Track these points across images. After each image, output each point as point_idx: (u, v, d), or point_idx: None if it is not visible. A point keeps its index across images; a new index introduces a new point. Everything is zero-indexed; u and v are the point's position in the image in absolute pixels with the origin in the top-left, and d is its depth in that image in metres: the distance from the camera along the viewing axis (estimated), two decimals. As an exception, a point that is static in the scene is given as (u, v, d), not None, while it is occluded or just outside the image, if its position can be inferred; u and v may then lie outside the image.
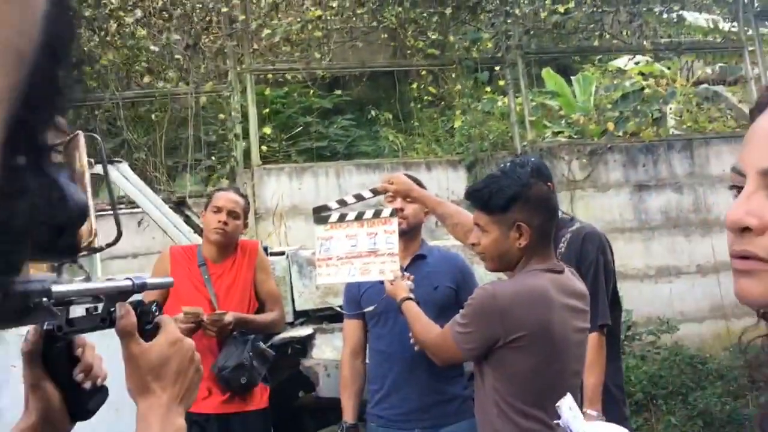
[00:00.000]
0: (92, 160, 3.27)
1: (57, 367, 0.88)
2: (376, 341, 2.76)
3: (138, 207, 3.56)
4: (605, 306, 2.57)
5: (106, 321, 0.88)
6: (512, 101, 7.29)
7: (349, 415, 2.73)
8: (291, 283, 3.41)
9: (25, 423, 0.87)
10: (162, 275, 3.10)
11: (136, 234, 5.80)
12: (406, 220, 2.67)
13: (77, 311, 0.90)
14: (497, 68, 7.97)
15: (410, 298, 2.37)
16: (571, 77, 9.55)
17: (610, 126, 7.56)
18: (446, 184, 6.80)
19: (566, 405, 1.29)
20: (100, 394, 0.93)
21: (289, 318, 3.36)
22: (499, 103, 8.63)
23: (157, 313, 0.91)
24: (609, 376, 2.59)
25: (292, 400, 3.51)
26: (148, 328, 0.90)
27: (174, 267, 3.11)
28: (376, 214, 2.58)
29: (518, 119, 7.24)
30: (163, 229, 3.46)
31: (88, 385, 0.91)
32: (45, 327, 0.85)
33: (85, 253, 2.92)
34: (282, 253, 3.59)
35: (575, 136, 8.21)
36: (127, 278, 0.91)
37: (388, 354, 2.69)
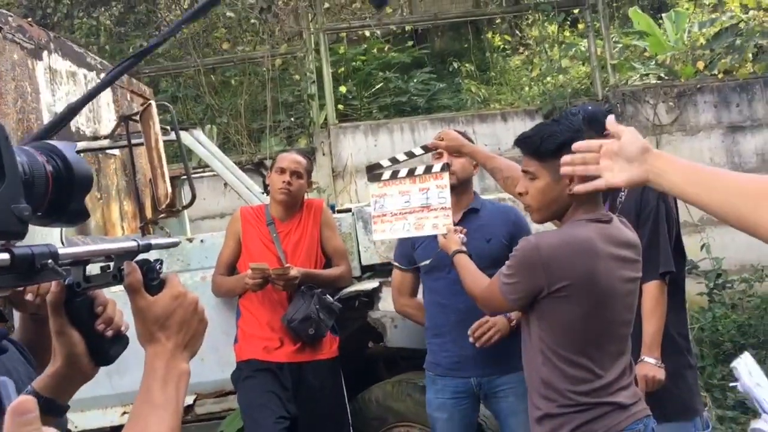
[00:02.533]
0: (168, 127, 3.47)
1: (80, 318, 1.00)
2: (430, 294, 2.82)
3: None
4: (667, 253, 2.51)
5: (117, 278, 0.99)
6: (592, 44, 7.00)
7: None
8: (357, 238, 3.51)
9: (53, 367, 1.01)
10: (234, 235, 3.30)
11: (223, 195, 6.11)
12: (455, 175, 2.69)
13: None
14: (576, 11, 7.65)
15: (462, 251, 2.41)
16: (663, 15, 9.01)
17: (701, 65, 7.12)
18: (524, 134, 6.68)
19: (745, 369, 1.25)
20: (120, 342, 1.05)
21: (356, 272, 3.47)
22: (583, 48, 8.31)
23: (161, 270, 1.02)
24: (673, 324, 2.54)
25: (362, 349, 3.66)
26: (154, 284, 1.00)
27: (245, 226, 3.28)
28: (428, 170, 2.61)
29: (600, 63, 6.96)
30: (236, 191, 3.65)
31: (109, 334, 1.03)
32: (66, 282, 0.97)
33: (163, 215, 3.13)
34: (348, 210, 3.69)
35: (666, 78, 7.80)
36: (133, 239, 1.01)
37: (443, 305, 2.75)
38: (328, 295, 3.16)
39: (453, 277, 2.62)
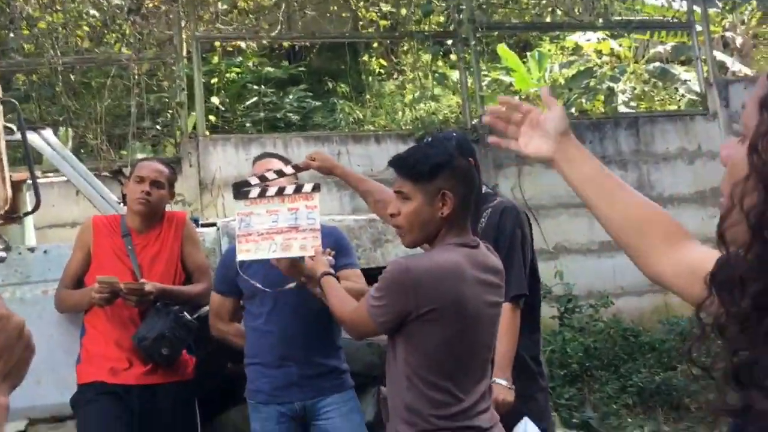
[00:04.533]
0: (13, 127, 3.18)
1: None
2: (253, 319, 2.75)
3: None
4: (520, 278, 2.60)
5: None
6: (464, 75, 7.28)
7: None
8: (221, 254, 3.38)
9: None
10: (84, 246, 3.06)
11: (75, 204, 5.69)
12: None
13: None
14: (449, 42, 7.95)
15: (330, 273, 2.37)
16: (527, 53, 9.58)
17: (559, 103, 7.60)
18: (395, 157, 6.80)
19: None
20: None
21: (218, 290, 3.33)
22: (454, 78, 8.62)
23: None
24: (525, 347, 2.63)
25: (221, 370, 3.50)
26: None
27: (96, 237, 3.05)
28: (297, 190, 2.55)
29: (469, 94, 7.25)
30: (89, 199, 3.40)
31: None
32: None
33: (1, 222, 2.84)
34: (213, 225, 3.55)
35: (528, 112, 8.26)
36: None
37: (264, 332, 2.69)
38: (185, 313, 3.00)
39: (278, 306, 2.65)
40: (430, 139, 2.16)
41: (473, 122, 7.07)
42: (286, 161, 2.87)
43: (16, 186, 3.47)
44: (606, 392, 5.27)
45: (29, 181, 4.12)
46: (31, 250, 3.26)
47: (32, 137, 3.20)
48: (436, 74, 8.56)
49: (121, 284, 2.82)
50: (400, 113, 8.70)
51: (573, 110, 7.83)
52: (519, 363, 2.62)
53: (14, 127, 3.15)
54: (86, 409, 2.86)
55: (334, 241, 2.73)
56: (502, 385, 2.46)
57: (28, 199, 4.28)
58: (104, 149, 6.04)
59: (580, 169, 1.28)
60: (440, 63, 8.83)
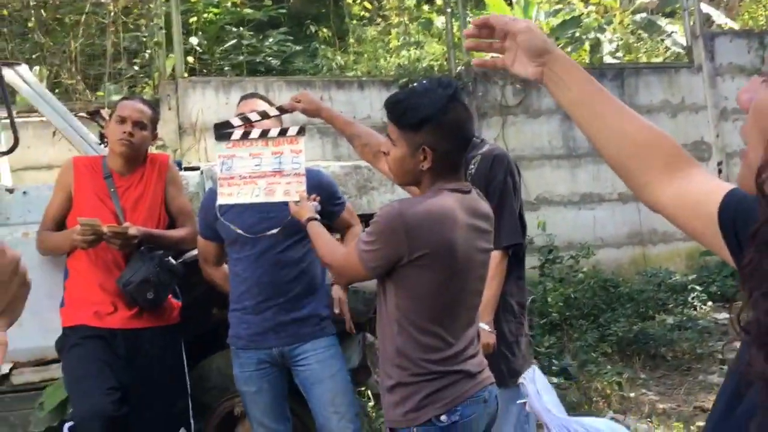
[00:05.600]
0: (-13, 62, 3.03)
1: None
2: (234, 264, 2.73)
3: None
4: (513, 227, 2.60)
5: None
6: (449, 22, 7.14)
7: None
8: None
9: None
10: (64, 187, 2.97)
11: (51, 145, 5.54)
12: None
13: None
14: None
15: (315, 218, 2.33)
16: (513, 1, 9.41)
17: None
18: (379, 104, 6.70)
19: (533, 389, 1.14)
20: None
21: (202, 234, 3.27)
22: (439, 24, 8.46)
23: None
24: (512, 294, 2.66)
25: (206, 315, 3.48)
26: None
27: (77, 178, 2.96)
28: (282, 133, 2.48)
29: (455, 41, 7.13)
30: (68, 139, 3.28)
31: None
32: None
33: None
34: (196, 168, 3.47)
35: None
36: None
37: (245, 278, 2.68)
38: (170, 257, 2.95)
39: (256, 252, 2.63)
40: (426, 85, 2.06)
41: (458, 69, 6.97)
42: (272, 104, 2.79)
43: (-10, 125, 3.34)
44: (585, 341, 5.37)
45: (4, 120, 3.99)
46: (10, 191, 3.16)
47: (7, 74, 3.06)
48: (421, 20, 8.38)
49: (105, 227, 2.74)
50: (382, 60, 8.54)
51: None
52: (507, 309, 2.64)
53: (-12, 63, 3.01)
54: (71, 353, 2.82)
55: (318, 184, 2.69)
56: (484, 330, 2.48)
57: (3, 139, 4.14)
58: (79, 89, 5.85)
59: (567, 92, 1.16)
60: (425, 8, 8.64)
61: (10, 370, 3.16)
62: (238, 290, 2.71)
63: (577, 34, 8.48)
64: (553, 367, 4.85)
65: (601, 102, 1.14)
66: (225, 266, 2.88)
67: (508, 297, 2.62)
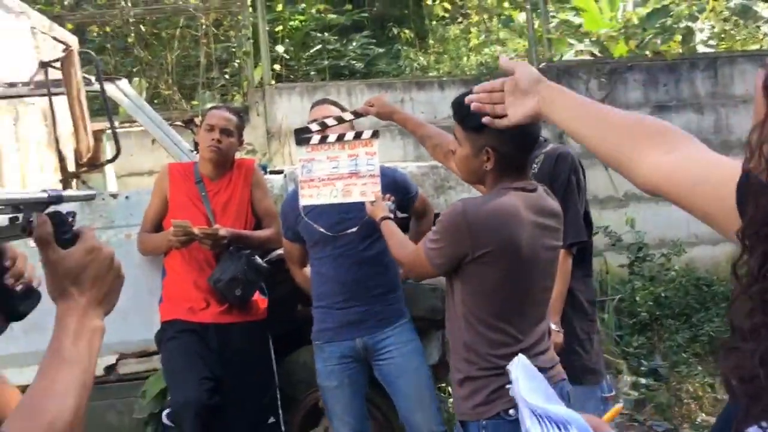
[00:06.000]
0: (92, 78, 3.31)
1: None
2: (317, 264, 2.85)
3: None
4: (578, 225, 2.59)
5: (26, 230, 0.93)
6: (530, 17, 7.06)
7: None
8: (286, 201, 3.47)
9: None
10: (161, 192, 3.20)
11: (151, 152, 5.90)
12: None
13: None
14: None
15: (389, 218, 2.43)
16: (599, -8, 9.16)
17: (632, 44, 7.29)
18: (461, 103, 6.73)
19: (514, 372, 1.19)
20: (31, 297, 1.00)
21: (287, 234, 3.44)
22: (521, 20, 8.37)
23: (74, 223, 0.96)
24: (582, 292, 2.66)
25: (292, 312, 3.64)
26: (66, 237, 0.95)
27: (172, 183, 3.19)
28: (357, 136, 2.59)
29: (537, 37, 7.04)
30: (164, 147, 3.53)
31: (19, 288, 0.98)
32: None
33: (84, 169, 3.00)
34: (280, 172, 3.64)
35: (599, 55, 7.96)
36: (43, 190, 0.96)
37: (328, 276, 2.79)
38: (257, 257, 3.12)
39: (337, 252, 2.75)
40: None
41: (540, 66, 6.89)
42: (343, 108, 2.91)
43: (96, 135, 3.64)
44: (676, 341, 5.19)
45: (108, 131, 4.32)
46: (114, 196, 3.43)
47: (109, 88, 3.32)
48: (502, 17, 8.32)
49: (197, 229, 2.95)
50: (464, 58, 8.54)
51: (647, 52, 7.48)
52: (578, 307, 2.65)
53: (92, 79, 3.27)
54: (168, 345, 3.05)
55: (393, 181, 2.79)
56: (552, 329, 2.48)
57: (108, 149, 4.48)
58: (176, 99, 6.21)
59: (562, 111, 1.22)
60: (506, 5, 8.56)
61: (117, 360, 3.43)
62: (321, 288, 2.83)
63: (668, 24, 8.16)
64: (642, 368, 4.73)
65: (594, 109, 1.18)
66: (307, 269, 3.02)
67: (578, 295, 2.62)
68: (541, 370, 2.02)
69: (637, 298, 5.61)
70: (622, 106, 6.85)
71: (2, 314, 0.97)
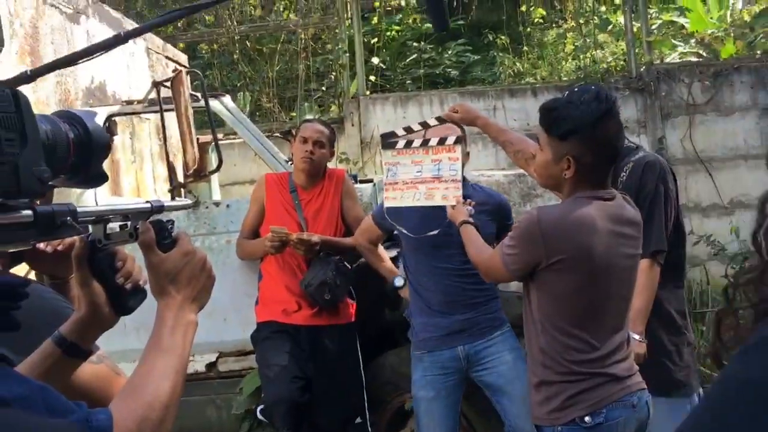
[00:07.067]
0: (198, 94, 3.58)
1: (101, 272, 1.11)
2: (415, 274, 2.90)
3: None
4: (660, 233, 2.53)
5: (133, 236, 1.09)
6: (628, 20, 6.89)
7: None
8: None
9: (78, 314, 1.12)
10: (258, 200, 3.42)
11: (253, 162, 6.24)
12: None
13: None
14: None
15: (469, 222, 2.48)
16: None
17: (739, 44, 6.95)
18: (555, 110, 6.65)
19: None
20: (139, 294, 1.16)
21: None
22: (621, 23, 8.16)
23: (172, 230, 1.11)
24: (669, 302, 2.59)
25: (380, 316, 3.76)
26: (166, 242, 1.10)
27: (269, 192, 3.40)
28: (441, 142, 2.66)
29: (637, 39, 6.86)
30: (261, 158, 3.76)
31: (128, 286, 1.14)
32: (89, 239, 1.08)
33: (191, 179, 3.26)
34: (370, 181, 3.78)
35: (705, 56, 7.64)
36: (147, 201, 1.11)
37: (429, 287, 2.84)
38: (345, 263, 3.26)
39: (437, 263, 2.79)
40: (585, 96, 2.03)
41: (640, 70, 6.70)
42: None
43: (202, 147, 3.93)
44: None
45: (213, 144, 4.64)
46: (216, 204, 3.69)
47: (214, 104, 3.58)
48: (600, 20, 8.15)
49: (295, 235, 3.13)
50: (563, 63, 8.43)
51: (758, 53, 7.10)
52: (664, 317, 2.59)
53: (199, 95, 3.54)
54: (263, 345, 3.25)
55: (497, 204, 2.88)
56: (635, 340, 2.45)
57: (213, 159, 4.81)
58: (276, 111, 6.53)
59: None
60: (604, 8, 8.37)
61: (216, 359, 3.67)
62: (422, 300, 2.88)
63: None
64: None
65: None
66: (381, 249, 3.13)
67: (666, 305, 2.56)
68: (618, 378, 2.05)
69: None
70: (726, 109, 6.55)
71: (113, 309, 1.13)
